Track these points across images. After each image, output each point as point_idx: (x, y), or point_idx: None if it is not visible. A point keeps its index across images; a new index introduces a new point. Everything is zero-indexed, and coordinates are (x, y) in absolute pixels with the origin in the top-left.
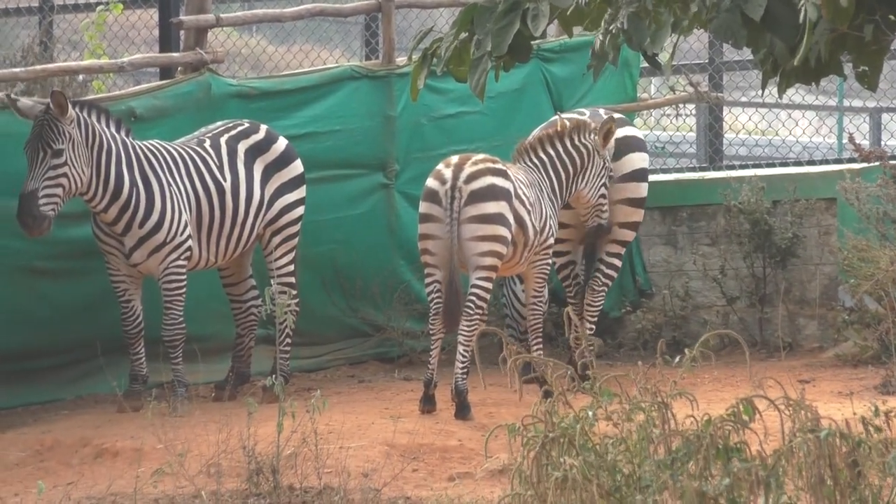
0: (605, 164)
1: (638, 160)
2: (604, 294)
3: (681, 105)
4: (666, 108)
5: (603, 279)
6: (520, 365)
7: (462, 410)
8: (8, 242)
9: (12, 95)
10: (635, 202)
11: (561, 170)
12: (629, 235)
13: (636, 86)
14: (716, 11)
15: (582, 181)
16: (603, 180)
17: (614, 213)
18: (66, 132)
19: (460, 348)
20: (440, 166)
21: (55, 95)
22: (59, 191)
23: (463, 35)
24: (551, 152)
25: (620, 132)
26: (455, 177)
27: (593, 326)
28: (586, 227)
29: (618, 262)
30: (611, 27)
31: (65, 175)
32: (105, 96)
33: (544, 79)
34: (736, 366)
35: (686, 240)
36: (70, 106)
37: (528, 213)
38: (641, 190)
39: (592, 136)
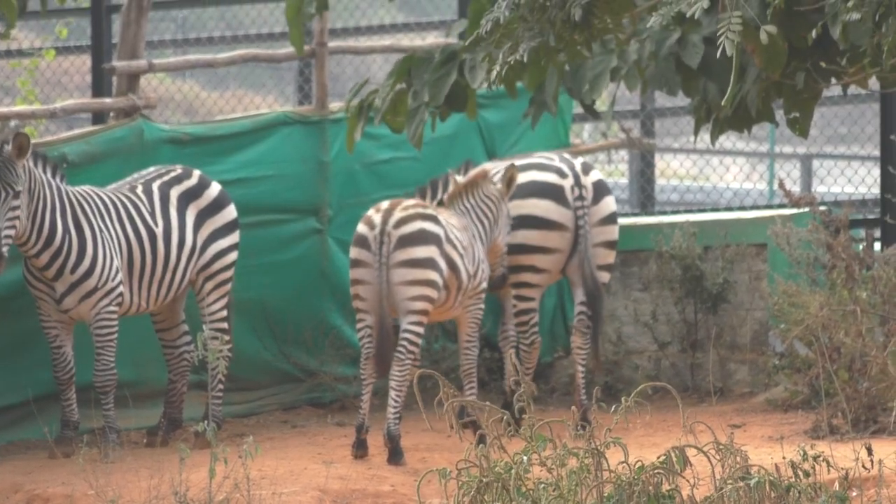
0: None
1: (612, 203)
2: (590, 338)
3: (613, 150)
4: (598, 153)
5: (588, 321)
6: (456, 408)
7: (395, 455)
8: None
9: None
10: (611, 244)
11: (483, 217)
12: (607, 277)
13: (569, 131)
14: (653, 60)
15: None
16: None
17: (595, 256)
18: (21, 175)
19: (392, 393)
20: (370, 212)
21: (19, 137)
22: (13, 232)
23: (399, 86)
24: (474, 199)
25: (593, 176)
26: (384, 221)
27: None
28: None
29: None
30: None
31: (18, 218)
32: (38, 142)
33: (478, 125)
34: (668, 410)
35: (618, 285)
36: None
37: (461, 256)
38: (616, 232)
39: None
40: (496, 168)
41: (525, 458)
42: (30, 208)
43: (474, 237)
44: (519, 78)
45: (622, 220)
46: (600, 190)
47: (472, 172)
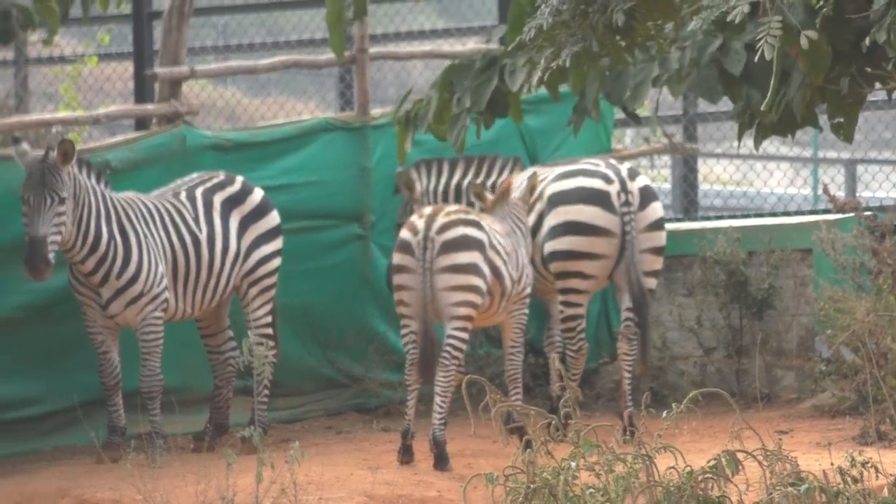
0: (527, 221)
1: (659, 209)
2: (636, 344)
3: (656, 156)
4: (641, 159)
5: (635, 327)
6: (503, 414)
7: (440, 461)
8: None
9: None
10: (658, 250)
11: (519, 223)
12: (654, 283)
13: (611, 137)
14: (695, 67)
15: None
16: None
17: (642, 262)
18: (66, 181)
19: (437, 399)
20: (413, 217)
21: (64, 144)
22: (59, 238)
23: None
24: (508, 207)
25: (640, 181)
26: (427, 227)
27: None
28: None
29: None
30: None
31: (64, 224)
32: (82, 148)
33: (520, 130)
34: (714, 416)
35: (663, 290)
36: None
37: (504, 263)
38: (663, 238)
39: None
40: (542, 173)
41: (573, 463)
42: (75, 214)
43: (518, 242)
44: (562, 81)
45: (667, 226)
46: (647, 195)
47: (500, 186)
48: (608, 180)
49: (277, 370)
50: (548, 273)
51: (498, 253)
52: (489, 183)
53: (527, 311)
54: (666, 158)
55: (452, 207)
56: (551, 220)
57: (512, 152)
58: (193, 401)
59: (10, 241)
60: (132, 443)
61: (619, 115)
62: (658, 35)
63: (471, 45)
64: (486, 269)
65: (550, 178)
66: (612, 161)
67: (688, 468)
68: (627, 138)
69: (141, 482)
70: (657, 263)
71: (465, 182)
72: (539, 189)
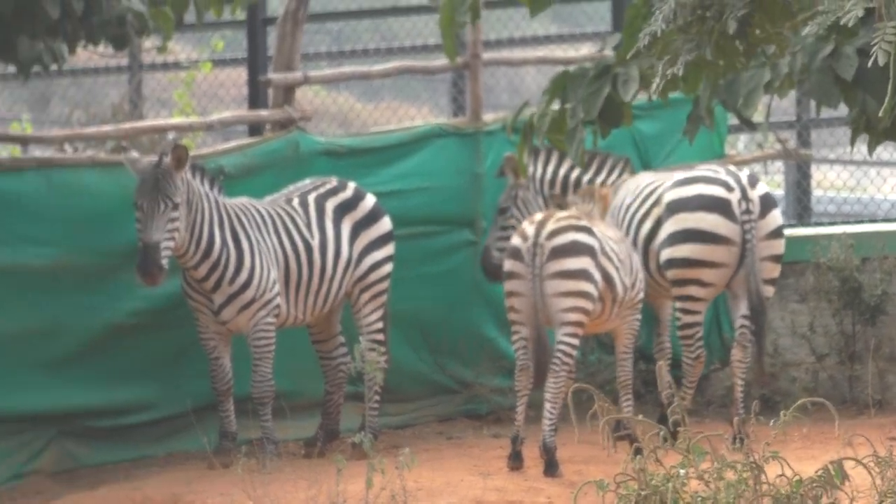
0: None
1: (778, 216)
2: (750, 352)
3: (769, 162)
4: (754, 164)
5: (750, 335)
6: (612, 422)
7: (550, 467)
8: (91, 300)
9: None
10: (777, 258)
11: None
12: (771, 291)
13: (724, 142)
14: (806, 73)
15: None
16: None
17: (761, 270)
18: (179, 187)
19: (547, 405)
20: (524, 223)
21: (178, 149)
22: (172, 244)
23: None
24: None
25: (760, 189)
26: (537, 233)
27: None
28: None
29: None
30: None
31: (177, 230)
32: (195, 154)
33: (632, 136)
34: (825, 423)
35: (775, 296)
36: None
37: (617, 269)
38: (782, 246)
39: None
40: (656, 179)
41: (682, 471)
42: (188, 220)
43: (631, 248)
44: (674, 89)
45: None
46: (767, 203)
47: (598, 194)
48: (729, 188)
49: (389, 376)
50: (662, 279)
51: (610, 259)
52: (598, 181)
53: (639, 317)
54: (779, 164)
55: (563, 213)
56: (670, 227)
57: None
58: (304, 406)
59: (123, 247)
60: (243, 448)
61: (733, 120)
62: (774, 40)
63: (584, 50)
64: (597, 275)
65: (669, 185)
66: (732, 168)
67: (797, 477)
68: (741, 144)
69: (251, 488)
70: (775, 271)
71: (574, 176)
72: (655, 195)
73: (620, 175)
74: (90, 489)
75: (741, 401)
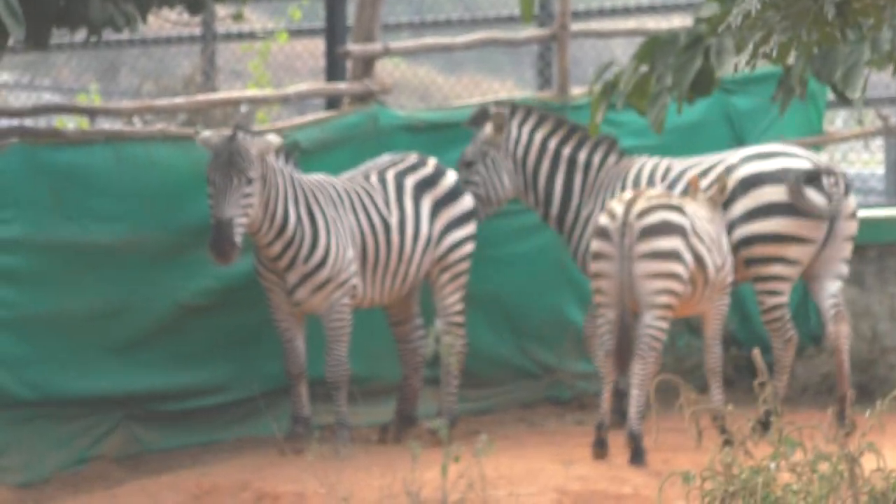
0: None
1: (854, 198)
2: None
3: (869, 139)
4: (853, 142)
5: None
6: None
7: (636, 456)
8: (161, 278)
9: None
10: (853, 239)
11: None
12: (846, 271)
13: (822, 118)
14: None
15: None
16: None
17: (843, 251)
18: (255, 162)
19: (634, 391)
20: (613, 202)
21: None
22: (246, 220)
23: (643, 68)
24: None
25: (839, 167)
26: (626, 212)
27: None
28: None
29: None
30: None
31: (251, 206)
32: (270, 128)
33: (726, 111)
34: None
35: (874, 279)
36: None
37: (709, 250)
38: (856, 227)
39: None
40: (679, 163)
41: (772, 464)
42: (262, 196)
43: (721, 227)
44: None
45: (880, 212)
46: (848, 182)
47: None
48: (813, 161)
49: (468, 360)
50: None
51: (701, 239)
52: (580, 156)
53: (728, 300)
54: (880, 141)
55: (653, 192)
56: (748, 202)
57: (717, 134)
58: (380, 391)
59: (195, 224)
60: (316, 434)
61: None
62: (872, 12)
63: (676, 21)
64: (688, 256)
65: (738, 160)
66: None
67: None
68: (840, 120)
69: (324, 475)
70: (850, 252)
71: (552, 144)
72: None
73: (607, 155)
74: (155, 475)
75: (848, 378)
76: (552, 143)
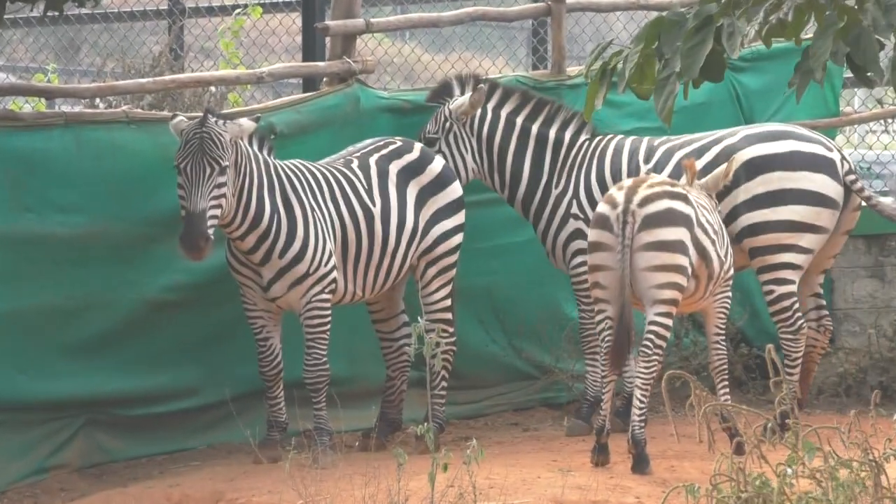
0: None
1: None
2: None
3: (889, 120)
4: (872, 123)
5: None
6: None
7: (639, 463)
8: (125, 273)
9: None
10: (849, 233)
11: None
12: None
13: (838, 99)
14: None
15: None
16: None
17: (838, 245)
18: (228, 148)
19: (637, 393)
20: (612, 189)
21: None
22: (218, 212)
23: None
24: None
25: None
26: (628, 200)
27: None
28: None
29: None
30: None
31: (224, 196)
32: (242, 110)
33: (734, 91)
34: None
35: (895, 272)
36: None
37: (713, 242)
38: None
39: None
40: (664, 141)
41: (789, 469)
42: (235, 185)
43: (722, 219)
44: (779, 35)
45: None
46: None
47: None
48: (828, 147)
49: (458, 360)
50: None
51: (705, 231)
52: (551, 132)
53: (730, 294)
54: None
55: (656, 178)
56: (757, 188)
57: (725, 115)
58: (362, 394)
59: (162, 214)
60: (293, 441)
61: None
62: None
63: None
64: (692, 248)
65: (740, 140)
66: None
67: None
68: (857, 100)
69: (303, 485)
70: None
71: (519, 120)
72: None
73: (578, 131)
74: (121, 486)
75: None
76: (519, 119)
